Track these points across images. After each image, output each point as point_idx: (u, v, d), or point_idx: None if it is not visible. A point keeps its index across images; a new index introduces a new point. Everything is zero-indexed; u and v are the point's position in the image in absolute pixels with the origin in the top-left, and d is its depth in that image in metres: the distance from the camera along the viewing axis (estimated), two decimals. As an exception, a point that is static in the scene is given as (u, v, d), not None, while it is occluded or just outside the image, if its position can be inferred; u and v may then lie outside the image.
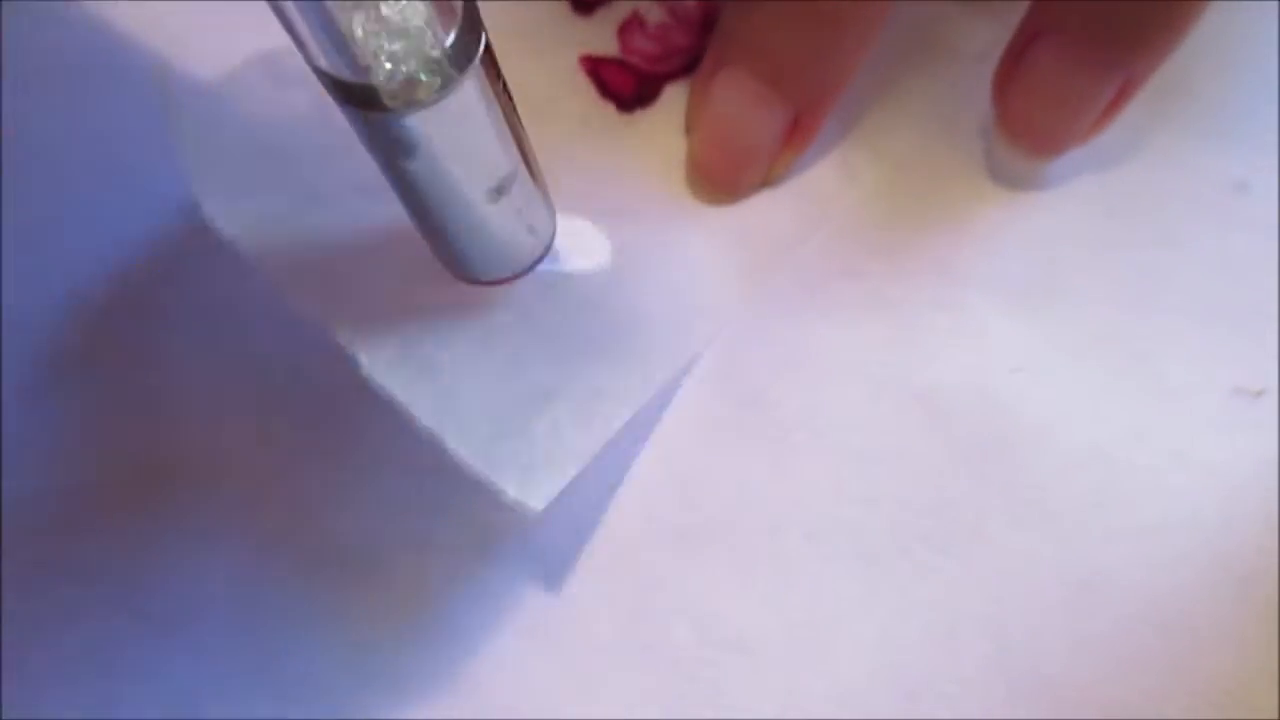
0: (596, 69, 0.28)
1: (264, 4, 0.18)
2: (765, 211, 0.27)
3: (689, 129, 0.27)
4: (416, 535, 0.25)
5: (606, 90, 0.28)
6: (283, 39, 0.18)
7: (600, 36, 0.29)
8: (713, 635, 0.24)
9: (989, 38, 0.28)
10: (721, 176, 0.27)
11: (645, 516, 0.25)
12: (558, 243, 0.25)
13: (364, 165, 0.22)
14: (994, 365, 0.26)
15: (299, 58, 0.19)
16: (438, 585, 0.25)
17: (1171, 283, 0.26)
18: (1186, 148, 0.27)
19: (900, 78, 0.28)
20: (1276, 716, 0.23)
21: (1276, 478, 0.25)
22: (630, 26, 0.29)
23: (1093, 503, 0.25)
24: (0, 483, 0.26)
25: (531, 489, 0.22)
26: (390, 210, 0.23)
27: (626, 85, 0.28)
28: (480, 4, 0.26)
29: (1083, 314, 0.26)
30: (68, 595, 0.25)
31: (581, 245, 0.26)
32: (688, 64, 0.28)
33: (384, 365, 0.23)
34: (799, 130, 0.26)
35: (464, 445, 0.22)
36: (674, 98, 0.28)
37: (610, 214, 0.27)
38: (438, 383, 0.23)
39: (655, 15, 0.29)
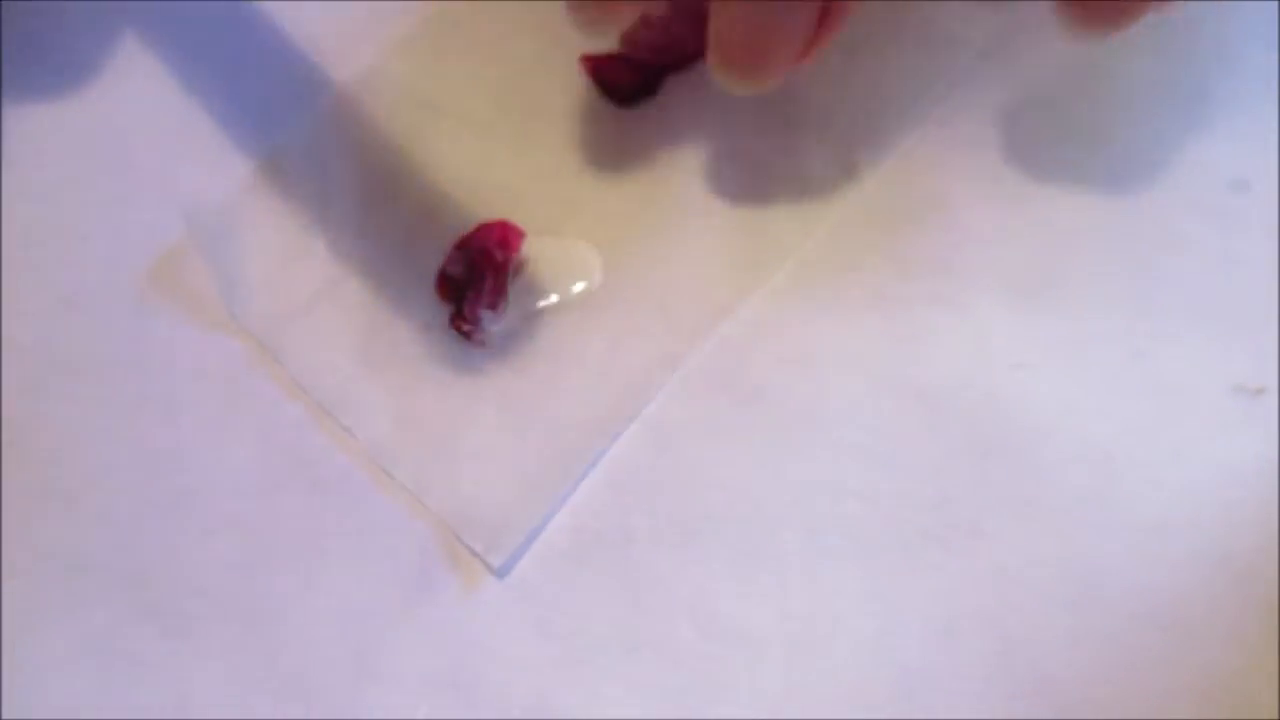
0: (598, 67, 0.28)
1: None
2: (767, 208, 0.27)
3: (713, 20, 0.25)
4: (416, 534, 0.25)
5: (607, 87, 0.28)
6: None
7: (599, 34, 0.28)
8: (714, 631, 0.24)
9: (989, 34, 0.28)
10: (749, 70, 0.25)
11: (646, 512, 0.25)
12: (547, 270, 0.27)
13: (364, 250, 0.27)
14: (994, 363, 0.26)
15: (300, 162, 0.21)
16: (437, 583, 0.25)
17: (1171, 282, 0.26)
18: (1186, 148, 0.27)
19: (901, 75, 0.28)
20: (1276, 716, 0.23)
21: (1276, 476, 0.25)
22: None
23: (1092, 500, 0.25)
24: (0, 479, 0.26)
25: (495, 549, 0.25)
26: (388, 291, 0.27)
27: (628, 79, 0.28)
28: (480, 6, 0.26)
29: (1083, 312, 0.26)
30: (68, 593, 0.25)
31: (573, 267, 0.27)
32: (689, 55, 0.28)
33: (379, 442, 0.26)
34: (829, 15, 0.24)
35: (441, 507, 0.25)
36: (675, 89, 0.28)
37: (608, 218, 0.27)
38: (426, 449, 0.26)
39: (657, 8, 0.29)
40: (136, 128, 0.28)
